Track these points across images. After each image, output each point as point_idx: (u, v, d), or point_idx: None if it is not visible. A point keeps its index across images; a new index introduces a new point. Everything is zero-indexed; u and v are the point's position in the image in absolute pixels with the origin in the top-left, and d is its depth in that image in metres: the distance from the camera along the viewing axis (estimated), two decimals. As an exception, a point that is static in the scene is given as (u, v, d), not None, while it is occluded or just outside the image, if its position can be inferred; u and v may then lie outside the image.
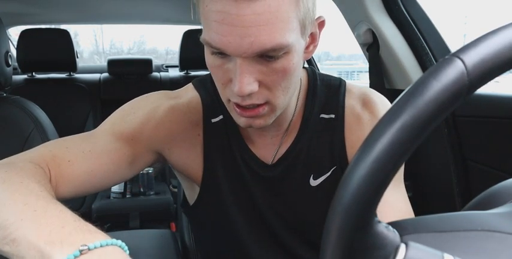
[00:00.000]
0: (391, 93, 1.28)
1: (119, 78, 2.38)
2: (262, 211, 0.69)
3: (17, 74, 2.18)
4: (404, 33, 1.28)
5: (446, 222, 0.31)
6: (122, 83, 2.36)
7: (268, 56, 0.50)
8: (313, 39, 0.59)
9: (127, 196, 2.01)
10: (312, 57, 2.41)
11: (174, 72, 2.56)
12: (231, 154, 0.68)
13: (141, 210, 1.92)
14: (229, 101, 0.56)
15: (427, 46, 1.24)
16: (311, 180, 0.68)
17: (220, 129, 0.68)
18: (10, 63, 1.07)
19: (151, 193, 2.03)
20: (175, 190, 2.07)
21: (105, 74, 2.40)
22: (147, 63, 2.41)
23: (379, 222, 0.28)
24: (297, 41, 0.51)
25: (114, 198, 1.98)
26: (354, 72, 8.19)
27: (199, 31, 0.52)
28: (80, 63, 2.26)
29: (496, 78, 0.27)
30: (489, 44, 0.25)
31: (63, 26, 2.56)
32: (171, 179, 2.24)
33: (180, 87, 0.72)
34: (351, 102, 0.68)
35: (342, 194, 0.26)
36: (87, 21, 2.66)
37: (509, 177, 0.41)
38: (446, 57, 0.25)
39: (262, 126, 0.58)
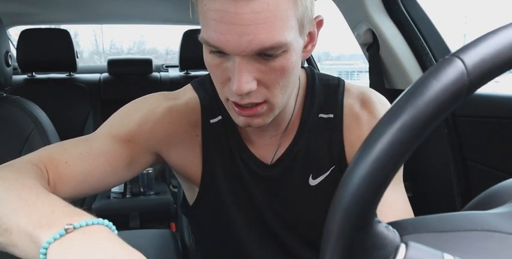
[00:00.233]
0: (391, 93, 1.28)
1: (119, 78, 2.38)
2: (262, 211, 0.69)
3: (17, 74, 2.18)
4: (404, 33, 1.28)
5: (446, 222, 0.31)
6: (122, 83, 2.36)
7: (266, 54, 0.50)
8: (311, 38, 0.59)
9: (127, 196, 2.01)
10: (312, 57, 2.42)
11: (174, 72, 2.56)
12: (230, 155, 0.68)
13: (141, 210, 1.92)
14: (227, 100, 0.56)
15: (427, 46, 1.24)
16: (310, 179, 0.68)
17: (219, 130, 0.68)
18: (10, 63, 1.07)
19: (152, 193, 2.03)
20: (175, 190, 2.07)
21: (105, 74, 2.40)
22: (147, 63, 2.41)
23: (379, 222, 0.28)
24: (295, 40, 0.52)
25: (114, 198, 1.99)
26: (353, 72, 8.20)
27: (199, 31, 0.52)
28: (80, 63, 2.26)
29: (496, 78, 0.27)
30: (489, 44, 0.25)
31: (63, 26, 2.56)
32: (171, 179, 2.24)
33: (180, 87, 0.72)
34: (349, 102, 0.68)
35: (342, 194, 0.26)
36: (87, 21, 2.66)
37: (509, 177, 0.41)
38: (446, 57, 0.25)
39: (261, 125, 0.58)
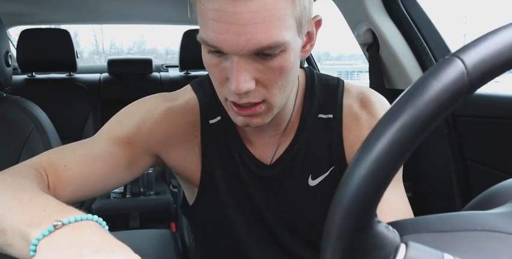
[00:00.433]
0: (391, 93, 1.28)
1: (119, 78, 2.38)
2: (261, 211, 0.69)
3: (17, 74, 2.19)
4: (404, 33, 1.28)
5: (446, 222, 0.31)
6: (122, 83, 2.36)
7: (264, 54, 0.50)
8: (310, 38, 0.59)
9: (127, 196, 2.01)
10: (312, 57, 2.42)
11: (174, 72, 2.56)
12: (229, 155, 0.68)
13: (141, 210, 1.92)
14: (226, 99, 0.56)
15: (427, 46, 1.24)
16: (309, 180, 0.68)
17: (218, 130, 0.68)
18: (10, 63, 1.07)
19: (152, 193, 2.04)
20: (175, 190, 2.07)
21: (105, 74, 2.40)
22: (147, 63, 2.41)
23: (379, 222, 0.28)
24: (293, 39, 0.52)
25: (114, 198, 1.99)
26: (353, 72, 8.20)
27: (198, 31, 0.52)
28: (80, 63, 2.27)
29: (496, 78, 0.27)
30: (489, 44, 0.25)
31: (63, 26, 2.57)
32: (171, 179, 2.24)
33: (180, 87, 0.72)
34: (349, 102, 0.68)
35: (342, 194, 0.26)
36: (87, 21, 2.66)
37: (509, 177, 0.41)
38: (446, 57, 0.25)
39: (260, 125, 0.58)
